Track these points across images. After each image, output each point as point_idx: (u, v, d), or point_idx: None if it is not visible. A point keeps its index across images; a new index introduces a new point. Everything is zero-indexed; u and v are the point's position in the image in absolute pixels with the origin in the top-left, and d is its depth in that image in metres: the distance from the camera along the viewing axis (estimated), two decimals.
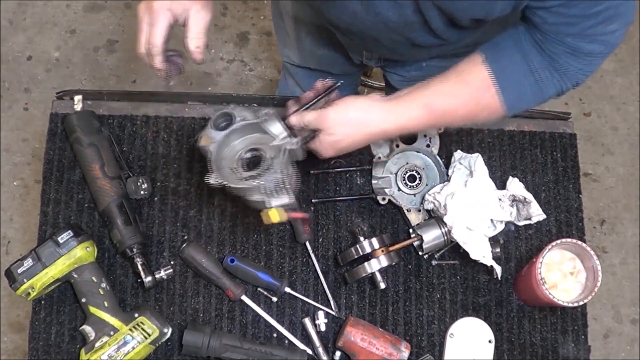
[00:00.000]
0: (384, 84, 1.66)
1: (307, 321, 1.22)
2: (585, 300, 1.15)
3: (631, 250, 2.43)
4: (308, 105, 1.11)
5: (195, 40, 1.05)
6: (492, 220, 1.23)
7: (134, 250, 1.20)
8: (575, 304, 1.15)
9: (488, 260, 1.19)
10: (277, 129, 1.06)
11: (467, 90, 1.02)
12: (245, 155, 1.06)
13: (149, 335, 1.15)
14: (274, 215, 1.01)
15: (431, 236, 1.22)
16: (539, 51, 0.99)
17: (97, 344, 1.14)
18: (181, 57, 1.11)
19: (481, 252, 1.19)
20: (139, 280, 1.20)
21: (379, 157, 1.29)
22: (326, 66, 1.51)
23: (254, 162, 1.06)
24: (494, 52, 1.02)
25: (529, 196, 1.27)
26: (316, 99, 1.11)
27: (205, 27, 1.05)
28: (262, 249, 1.27)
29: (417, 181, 1.29)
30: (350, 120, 1.04)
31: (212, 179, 1.01)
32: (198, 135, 1.07)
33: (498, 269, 1.20)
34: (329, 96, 1.12)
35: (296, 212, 1.05)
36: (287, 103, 1.14)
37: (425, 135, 1.31)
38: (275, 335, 1.23)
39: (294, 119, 1.08)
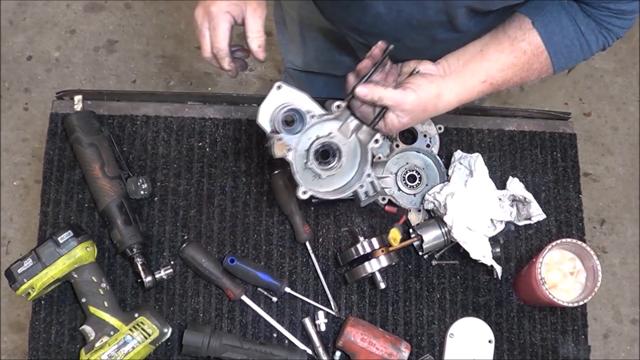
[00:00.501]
0: None
1: (307, 321, 1.22)
2: (585, 300, 1.15)
3: (631, 250, 2.43)
4: (369, 74, 1.04)
5: (256, 39, 1.03)
6: (492, 220, 1.23)
7: (134, 250, 1.20)
8: (575, 304, 1.15)
9: (488, 260, 1.19)
10: (352, 122, 1.06)
11: (523, 58, 1.05)
12: (316, 147, 1.05)
13: (149, 335, 1.15)
14: (396, 235, 1.11)
15: (431, 236, 1.22)
16: (585, 16, 1.03)
17: (97, 344, 1.14)
18: (243, 50, 1.09)
19: (481, 252, 1.19)
20: (139, 280, 1.20)
21: (379, 157, 1.29)
22: (331, 69, 1.50)
23: (323, 154, 1.06)
24: (541, 16, 1.04)
25: (529, 196, 1.27)
26: (374, 67, 1.05)
27: (262, 25, 1.03)
28: (262, 249, 1.27)
29: (417, 181, 1.29)
30: (427, 104, 1.03)
31: (301, 193, 1.01)
32: (268, 143, 1.03)
33: (498, 269, 1.20)
34: (384, 66, 1.07)
35: (391, 207, 1.08)
36: (347, 76, 1.09)
37: (425, 135, 1.31)
38: (275, 335, 1.23)
39: (362, 91, 1.01)
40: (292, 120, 1.03)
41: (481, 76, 1.05)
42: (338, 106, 1.03)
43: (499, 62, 1.05)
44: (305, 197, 1.01)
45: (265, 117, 1.03)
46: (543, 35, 1.04)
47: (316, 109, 1.04)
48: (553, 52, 1.05)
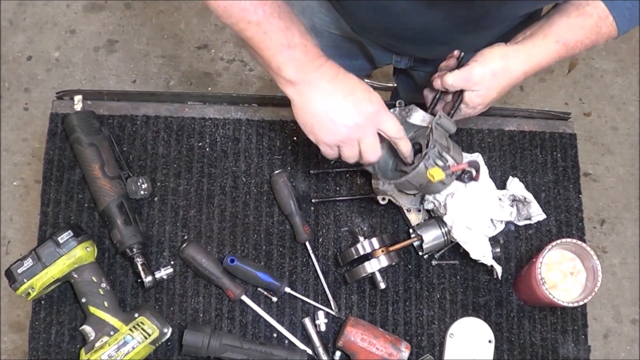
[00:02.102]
0: (385, 84, 1.66)
1: (307, 321, 1.22)
2: (585, 300, 1.15)
3: (631, 250, 2.43)
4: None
5: (405, 143, 1.05)
6: (492, 220, 1.23)
7: (134, 250, 1.20)
8: (575, 304, 1.15)
9: (488, 260, 1.19)
10: (419, 116, 1.09)
11: (590, 21, 1.05)
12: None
13: (149, 335, 1.15)
14: (438, 173, 1.00)
15: (431, 236, 1.22)
16: None
17: (97, 344, 1.14)
18: None
19: (481, 252, 1.19)
20: (139, 280, 1.20)
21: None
22: None
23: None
24: None
25: (529, 196, 1.27)
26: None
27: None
28: (262, 249, 1.27)
29: None
30: (496, 71, 1.04)
31: (383, 186, 1.10)
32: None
33: (498, 269, 1.20)
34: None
35: (458, 166, 1.05)
36: (423, 92, 1.15)
37: None
38: (275, 335, 1.23)
39: (437, 83, 1.07)
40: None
41: (553, 39, 1.05)
42: (409, 108, 1.10)
43: (567, 25, 1.06)
44: (387, 188, 1.08)
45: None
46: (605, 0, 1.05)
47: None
48: (617, 16, 1.05)
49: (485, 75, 1.04)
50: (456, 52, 1.11)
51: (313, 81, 0.96)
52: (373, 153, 1.02)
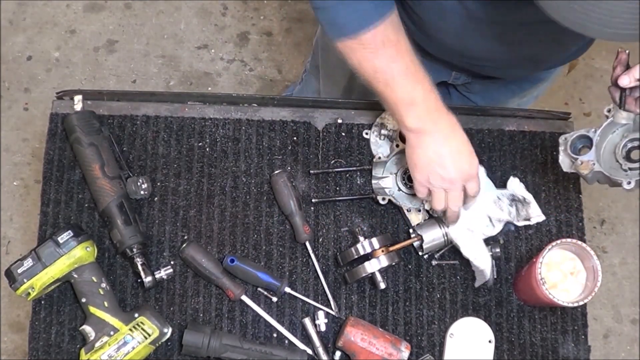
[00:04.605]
0: None
1: (307, 321, 1.22)
2: (585, 300, 1.15)
3: (631, 250, 2.43)
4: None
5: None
6: (490, 219, 1.23)
7: (134, 250, 1.20)
8: (575, 304, 1.15)
9: (479, 263, 1.20)
10: (622, 115, 1.09)
11: None
12: (624, 148, 1.10)
13: (149, 335, 1.15)
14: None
15: (431, 236, 1.22)
16: None
17: (97, 344, 1.14)
18: None
19: (474, 253, 1.19)
20: (139, 280, 1.20)
21: (379, 157, 1.29)
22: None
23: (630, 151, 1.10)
24: None
25: (529, 197, 1.27)
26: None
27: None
28: (262, 249, 1.27)
29: None
30: None
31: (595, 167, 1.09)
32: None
33: (487, 271, 1.21)
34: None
35: None
36: (609, 89, 1.12)
37: None
38: (275, 335, 1.23)
39: (624, 80, 1.06)
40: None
41: None
42: (609, 110, 1.10)
43: None
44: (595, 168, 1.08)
45: None
46: None
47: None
48: None
49: None
50: (624, 53, 1.11)
51: (431, 132, 1.08)
52: (456, 203, 1.14)
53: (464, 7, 1.09)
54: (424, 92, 1.07)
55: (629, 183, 1.06)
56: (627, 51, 1.10)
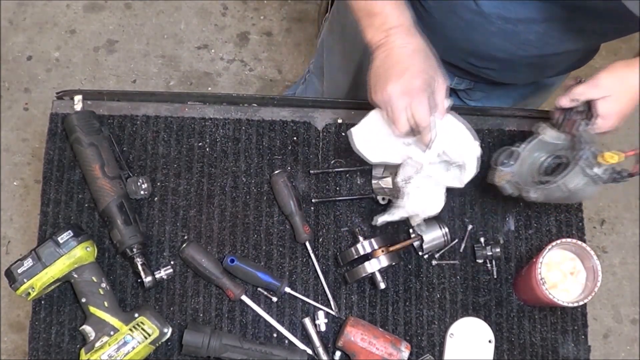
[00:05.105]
0: None
1: (307, 321, 1.22)
2: (585, 300, 1.15)
3: (631, 250, 2.43)
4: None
5: (445, 101, 1.09)
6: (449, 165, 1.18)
7: (134, 250, 1.20)
8: (575, 304, 1.15)
9: (414, 218, 1.17)
10: (553, 133, 1.14)
11: None
12: (545, 164, 1.16)
13: (149, 335, 1.15)
14: (611, 157, 1.04)
15: (431, 236, 1.22)
16: None
17: (97, 344, 1.14)
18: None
19: (420, 207, 1.15)
20: (139, 280, 1.20)
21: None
22: None
23: (552, 168, 1.15)
24: None
25: (470, 159, 1.18)
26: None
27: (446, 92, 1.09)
28: (262, 249, 1.27)
29: None
30: (624, 77, 1.04)
31: (529, 193, 1.11)
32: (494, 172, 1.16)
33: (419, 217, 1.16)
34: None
35: (630, 151, 1.07)
36: (554, 113, 1.16)
37: None
38: (275, 335, 1.23)
39: (563, 101, 1.08)
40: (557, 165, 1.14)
41: None
42: (541, 126, 1.15)
43: None
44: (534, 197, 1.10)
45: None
46: None
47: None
48: None
49: (614, 81, 1.04)
50: (575, 79, 1.12)
51: (392, 45, 1.03)
52: (423, 112, 1.04)
53: (475, 1, 1.09)
54: (390, 7, 1.04)
55: (535, 192, 1.10)
56: (580, 79, 1.12)
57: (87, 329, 1.15)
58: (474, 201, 1.31)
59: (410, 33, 1.05)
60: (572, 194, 1.07)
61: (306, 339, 1.23)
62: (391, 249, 1.21)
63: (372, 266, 1.19)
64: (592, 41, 1.22)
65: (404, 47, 1.04)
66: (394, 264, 1.22)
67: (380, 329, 1.21)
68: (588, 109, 1.09)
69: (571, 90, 1.08)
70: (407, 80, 1.02)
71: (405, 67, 1.03)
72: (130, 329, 1.14)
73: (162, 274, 1.21)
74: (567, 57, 1.28)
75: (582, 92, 1.07)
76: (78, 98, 1.31)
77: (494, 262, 1.27)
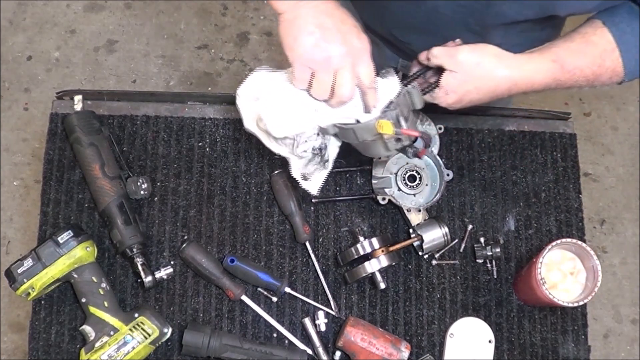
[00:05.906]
0: None
1: (307, 321, 1.22)
2: (585, 300, 1.15)
3: (631, 250, 2.43)
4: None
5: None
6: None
7: (134, 250, 1.20)
8: (575, 304, 1.15)
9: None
10: (394, 80, 1.03)
11: (594, 50, 1.02)
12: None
13: (149, 335, 1.15)
14: (387, 126, 0.98)
15: (431, 236, 1.22)
16: None
17: (97, 344, 1.14)
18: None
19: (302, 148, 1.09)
20: (139, 280, 1.20)
21: (379, 157, 1.29)
22: None
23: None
24: (611, 17, 1.02)
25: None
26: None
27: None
28: (262, 249, 1.27)
29: (417, 181, 1.29)
30: (482, 62, 1.00)
31: (326, 127, 1.04)
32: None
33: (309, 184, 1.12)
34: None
35: (409, 130, 1.01)
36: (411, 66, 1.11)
37: None
38: (275, 335, 1.23)
39: (422, 55, 1.04)
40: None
41: (550, 57, 1.02)
42: (386, 70, 1.04)
43: (568, 48, 1.03)
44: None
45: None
46: (614, 33, 1.01)
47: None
48: (625, 51, 1.01)
49: (470, 61, 1.00)
50: (458, 40, 1.06)
51: (308, 4, 0.95)
52: (348, 88, 0.97)
53: None
54: None
55: (334, 128, 1.03)
56: (457, 40, 1.06)
57: (87, 329, 1.15)
58: (474, 201, 1.32)
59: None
60: (361, 144, 1.03)
61: (306, 339, 1.23)
62: (391, 249, 1.21)
63: (372, 266, 1.19)
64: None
65: (337, 6, 0.98)
66: (394, 264, 1.22)
67: (380, 329, 1.21)
68: (439, 76, 1.04)
69: (432, 49, 1.03)
70: (348, 37, 0.95)
71: (349, 26, 0.96)
72: (130, 329, 1.14)
73: (162, 274, 1.21)
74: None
75: (436, 55, 1.02)
76: (78, 98, 1.31)
77: (494, 262, 1.27)
